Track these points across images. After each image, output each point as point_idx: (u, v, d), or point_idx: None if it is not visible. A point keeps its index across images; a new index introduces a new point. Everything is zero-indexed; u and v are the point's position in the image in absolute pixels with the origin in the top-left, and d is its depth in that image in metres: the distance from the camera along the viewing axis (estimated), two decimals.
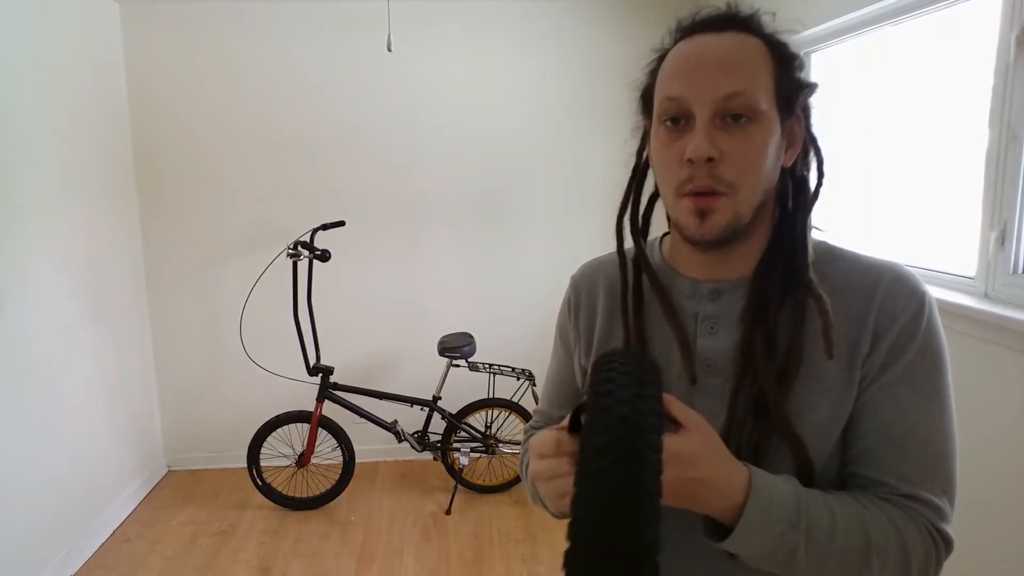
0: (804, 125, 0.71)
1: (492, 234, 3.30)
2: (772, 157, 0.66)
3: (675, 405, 0.60)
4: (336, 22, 3.05)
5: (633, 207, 0.79)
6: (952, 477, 0.66)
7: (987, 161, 1.58)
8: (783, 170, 0.71)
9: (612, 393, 0.50)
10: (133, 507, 2.98)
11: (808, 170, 0.74)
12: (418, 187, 3.22)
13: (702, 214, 0.66)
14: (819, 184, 0.73)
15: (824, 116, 0.75)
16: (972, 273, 1.67)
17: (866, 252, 0.73)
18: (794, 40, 0.71)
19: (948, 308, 1.58)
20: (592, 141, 3.25)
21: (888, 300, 0.67)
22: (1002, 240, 1.55)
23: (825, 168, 0.72)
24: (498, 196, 3.27)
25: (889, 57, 2.05)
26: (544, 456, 0.61)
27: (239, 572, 2.49)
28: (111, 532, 2.77)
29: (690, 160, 0.64)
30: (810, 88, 0.70)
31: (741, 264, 0.72)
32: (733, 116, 0.64)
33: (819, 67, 2.44)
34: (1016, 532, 1.46)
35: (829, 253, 0.72)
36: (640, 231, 0.80)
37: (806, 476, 0.66)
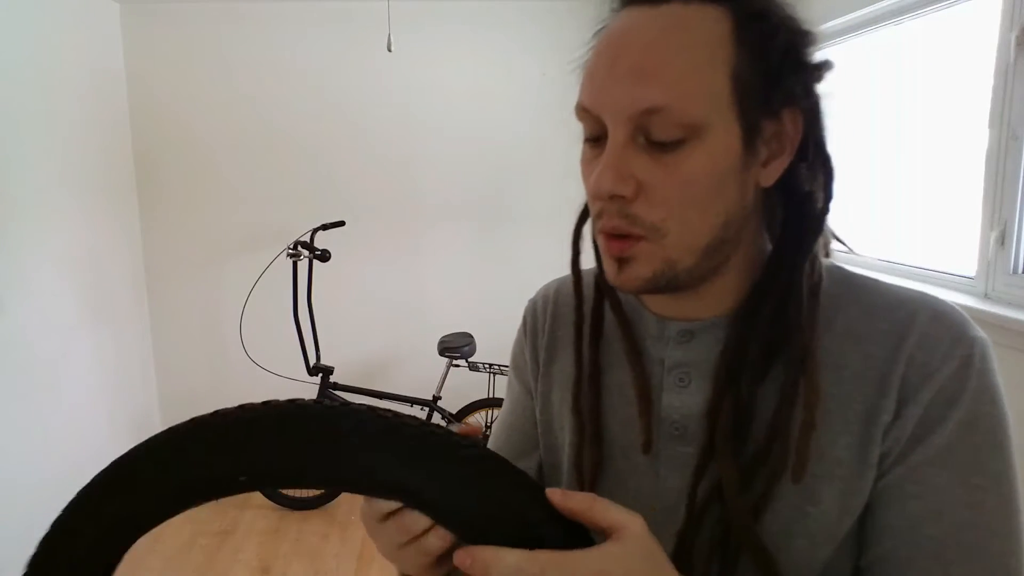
0: (801, 124, 0.50)
1: (492, 234, 3.30)
2: (722, 182, 0.48)
3: (597, 506, 0.41)
4: (336, 22, 3.05)
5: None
6: None
7: (987, 161, 1.58)
8: (773, 187, 0.52)
9: None
10: None
11: (814, 184, 0.52)
12: (418, 187, 3.22)
13: (620, 261, 0.50)
14: (824, 209, 0.52)
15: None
16: (972, 273, 1.66)
17: (896, 283, 0.54)
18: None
19: None
20: None
21: (922, 348, 0.48)
22: (1002, 240, 1.55)
23: (835, 187, 0.52)
24: (498, 196, 3.27)
25: (889, 57, 2.05)
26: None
27: (239, 572, 2.49)
28: None
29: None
30: (812, 71, 0.49)
31: (720, 300, 0.54)
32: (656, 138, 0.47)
33: None
34: None
35: (846, 282, 0.54)
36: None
37: None
